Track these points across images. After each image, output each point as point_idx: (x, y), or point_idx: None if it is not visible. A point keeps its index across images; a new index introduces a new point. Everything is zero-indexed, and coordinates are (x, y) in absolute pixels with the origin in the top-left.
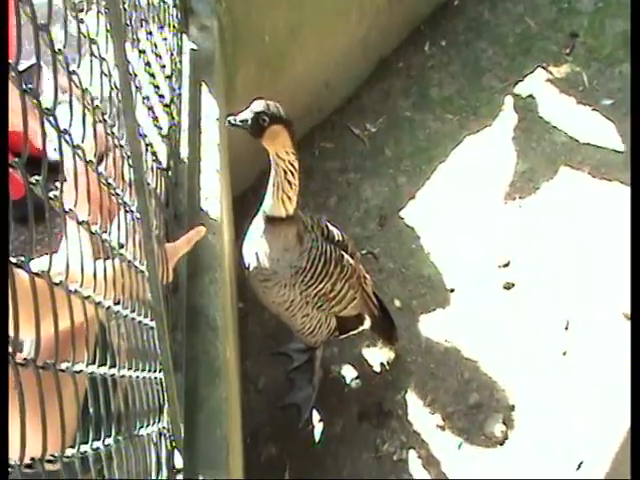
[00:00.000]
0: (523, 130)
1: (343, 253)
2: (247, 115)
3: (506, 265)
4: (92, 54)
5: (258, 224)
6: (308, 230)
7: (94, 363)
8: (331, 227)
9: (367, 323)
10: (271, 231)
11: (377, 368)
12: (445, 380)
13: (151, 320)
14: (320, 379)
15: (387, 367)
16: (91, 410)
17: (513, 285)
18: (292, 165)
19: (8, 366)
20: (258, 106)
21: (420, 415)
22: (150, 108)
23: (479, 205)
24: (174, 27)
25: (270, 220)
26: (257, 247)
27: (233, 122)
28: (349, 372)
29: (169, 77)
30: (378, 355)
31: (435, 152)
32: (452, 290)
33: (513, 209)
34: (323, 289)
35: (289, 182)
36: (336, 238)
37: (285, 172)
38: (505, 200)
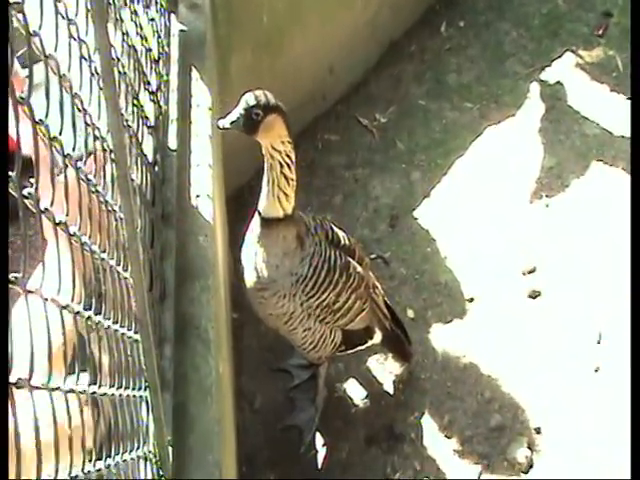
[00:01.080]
0: (550, 121)
1: (350, 259)
2: (238, 113)
3: (532, 271)
4: (71, 36)
5: (254, 227)
6: (310, 232)
7: (72, 373)
8: (336, 229)
9: (377, 337)
10: (268, 234)
11: (387, 386)
12: (463, 400)
13: (136, 332)
14: (324, 398)
15: (399, 385)
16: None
17: (539, 294)
18: (289, 157)
19: (8, 369)
20: (248, 100)
21: (435, 439)
22: (135, 96)
23: (501, 204)
24: (161, 6)
25: (266, 222)
26: (253, 253)
27: (224, 126)
28: (356, 391)
29: (156, 62)
30: (389, 372)
31: (452, 145)
32: (471, 299)
33: (539, 209)
34: (327, 300)
35: (286, 177)
36: (342, 242)
37: (281, 165)
38: (531, 199)
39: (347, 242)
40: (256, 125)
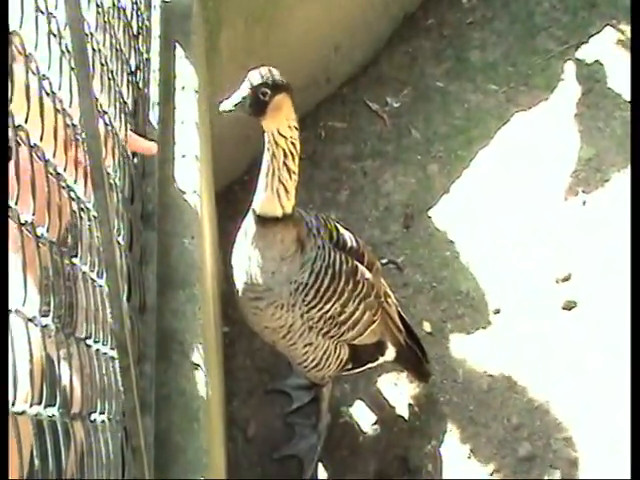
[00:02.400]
0: (588, 106)
1: (358, 264)
2: (244, 93)
3: (566, 279)
4: (37, 9)
5: (248, 227)
6: (312, 234)
7: (40, 403)
8: (342, 230)
9: (390, 353)
10: (263, 235)
11: (401, 410)
12: (488, 426)
13: (112, 348)
14: (327, 425)
15: (414, 409)
16: (37, 464)
17: (575, 304)
18: (294, 145)
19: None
20: (253, 79)
21: (456, 471)
22: (111, 78)
23: (532, 202)
24: None
25: (262, 221)
26: (247, 256)
27: (228, 109)
28: (365, 416)
29: (135, 37)
30: (402, 394)
31: (475, 133)
32: (497, 311)
33: (576, 207)
34: (331, 311)
35: (288, 169)
36: (349, 244)
37: (285, 155)
38: (565, 195)
39: (355, 245)
40: (264, 106)
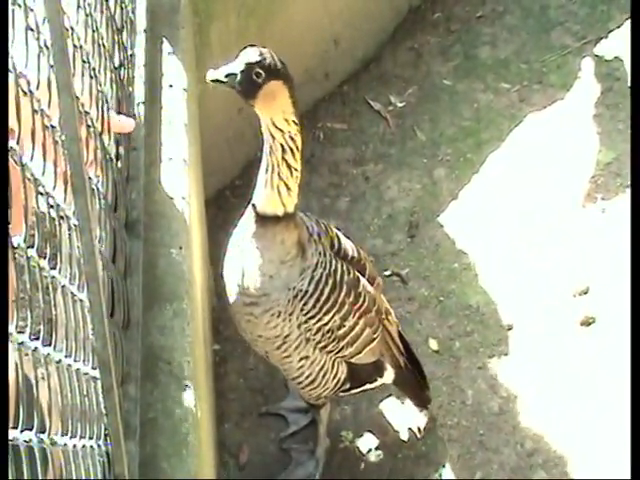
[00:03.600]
0: (607, 106)
1: (360, 275)
2: (236, 67)
3: (584, 293)
4: (14, 2)
5: (246, 225)
6: (314, 239)
7: (16, 427)
8: (343, 238)
9: (389, 375)
10: (262, 235)
11: (405, 435)
12: (499, 451)
13: (94, 367)
14: (326, 450)
15: (419, 433)
16: None
17: (594, 320)
18: (293, 140)
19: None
20: (251, 55)
21: None
22: (93, 75)
23: (546, 209)
24: None
25: (262, 219)
26: (243, 258)
27: (216, 78)
28: (366, 440)
29: (119, 32)
30: (407, 416)
31: (485, 135)
32: (510, 327)
33: (594, 215)
34: (330, 323)
35: (288, 165)
36: (350, 254)
37: (284, 150)
38: (583, 202)
39: (356, 255)
40: (256, 88)
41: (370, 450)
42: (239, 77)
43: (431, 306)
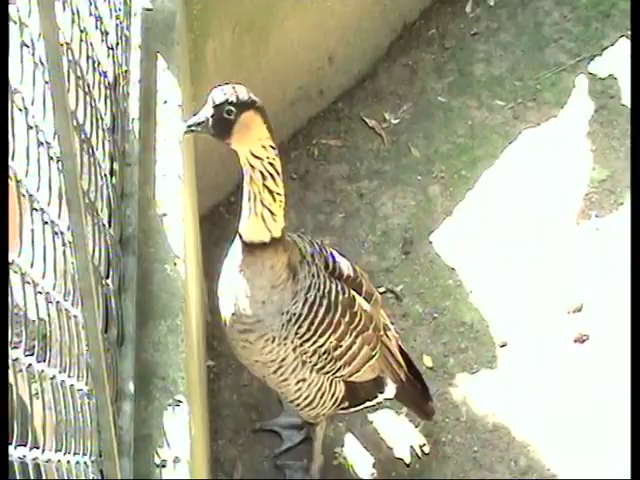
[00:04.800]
0: (601, 123)
1: (355, 294)
2: (206, 112)
3: (578, 310)
4: (9, 18)
5: (235, 254)
6: (306, 261)
7: (10, 443)
8: (338, 257)
9: (390, 390)
10: (251, 263)
11: (399, 452)
12: (493, 469)
13: (87, 384)
14: (320, 467)
15: (414, 451)
16: None
17: (587, 337)
18: (272, 165)
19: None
20: (217, 97)
21: None
22: (88, 91)
23: (540, 226)
24: None
25: (249, 248)
26: (234, 286)
27: (189, 129)
28: (360, 457)
29: (113, 48)
30: (401, 433)
31: (479, 152)
32: (503, 344)
33: (588, 232)
34: (326, 345)
35: (270, 191)
36: (345, 273)
37: (264, 176)
38: (577, 220)
39: (352, 273)
40: (229, 126)
41: (364, 467)
42: (211, 121)
43: (425, 323)
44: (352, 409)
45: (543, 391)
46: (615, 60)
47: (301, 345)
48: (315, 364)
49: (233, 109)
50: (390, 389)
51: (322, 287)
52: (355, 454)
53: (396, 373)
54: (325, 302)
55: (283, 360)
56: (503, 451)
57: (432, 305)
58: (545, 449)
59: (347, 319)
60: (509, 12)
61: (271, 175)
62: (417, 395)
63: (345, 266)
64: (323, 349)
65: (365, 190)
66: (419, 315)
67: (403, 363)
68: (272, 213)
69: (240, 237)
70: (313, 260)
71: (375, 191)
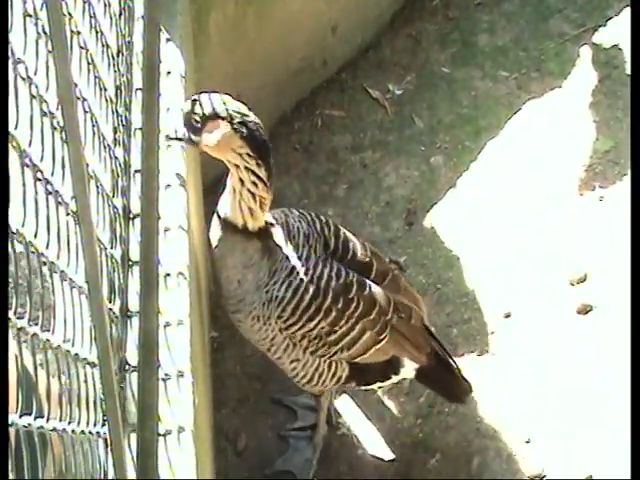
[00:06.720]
0: (605, 94)
1: (355, 278)
2: (179, 123)
3: (582, 281)
4: None
5: (215, 228)
6: (295, 243)
7: (15, 411)
8: (344, 236)
9: (407, 371)
10: (225, 240)
11: (403, 422)
12: (496, 439)
13: (92, 353)
14: (324, 437)
15: (416, 421)
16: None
17: (591, 308)
18: (253, 173)
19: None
20: (184, 107)
21: None
22: (90, 62)
23: (544, 197)
24: None
25: (226, 224)
26: (217, 263)
27: (170, 138)
28: (364, 427)
29: (116, 18)
30: (404, 403)
31: (483, 123)
32: (507, 315)
33: (591, 203)
34: (316, 330)
35: (252, 193)
36: (349, 254)
37: (242, 182)
38: (581, 190)
39: (359, 253)
40: (198, 132)
41: (367, 437)
42: (184, 130)
43: (429, 294)
44: (362, 387)
45: (546, 362)
46: (619, 30)
47: (286, 329)
48: (306, 347)
49: (198, 118)
50: (407, 370)
51: (311, 272)
52: (358, 424)
53: (414, 356)
54: (312, 288)
55: (273, 339)
56: (507, 422)
57: (435, 276)
58: (548, 419)
59: (340, 305)
60: None
61: (253, 182)
62: (445, 378)
63: (351, 246)
64: (313, 334)
65: (368, 161)
66: (422, 286)
67: (425, 345)
68: (251, 211)
69: (217, 212)
70: (307, 242)
71: (378, 162)
